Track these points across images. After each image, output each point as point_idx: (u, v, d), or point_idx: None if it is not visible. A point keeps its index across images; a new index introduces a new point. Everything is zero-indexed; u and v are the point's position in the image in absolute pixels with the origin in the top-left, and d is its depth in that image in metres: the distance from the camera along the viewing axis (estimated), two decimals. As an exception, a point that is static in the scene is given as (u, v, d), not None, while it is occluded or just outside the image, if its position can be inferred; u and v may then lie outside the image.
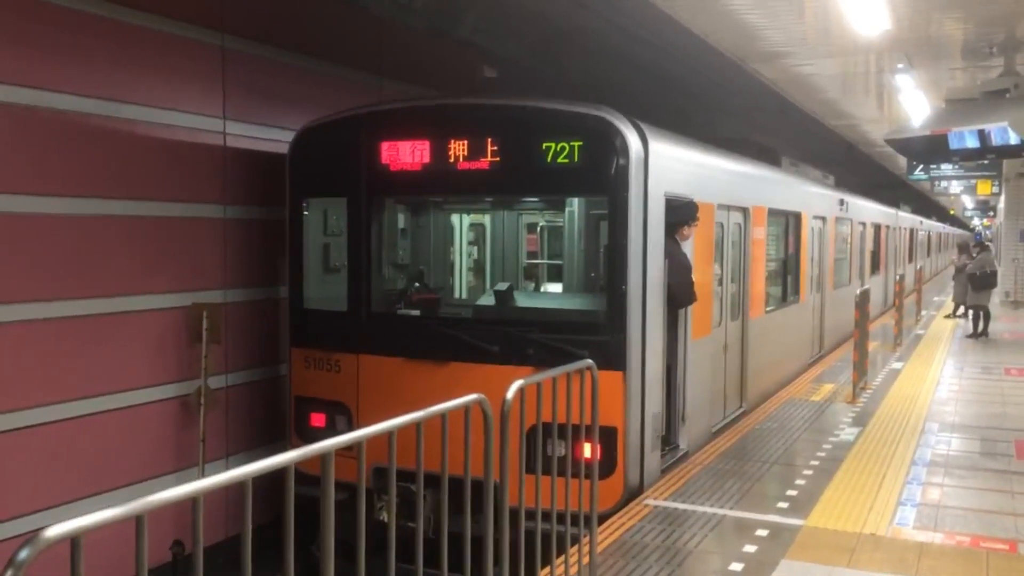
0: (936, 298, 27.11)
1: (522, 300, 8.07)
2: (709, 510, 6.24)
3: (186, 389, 7.73)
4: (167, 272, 7.58)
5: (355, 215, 7.48)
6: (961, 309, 19.37)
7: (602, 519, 5.63)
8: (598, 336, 6.59)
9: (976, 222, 59.00)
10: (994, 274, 17.88)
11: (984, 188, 24.72)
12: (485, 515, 3.95)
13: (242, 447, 8.36)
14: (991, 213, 44.98)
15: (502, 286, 7.97)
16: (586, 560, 4.73)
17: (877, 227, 20.19)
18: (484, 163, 6.89)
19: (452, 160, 6.99)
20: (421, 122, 7.29)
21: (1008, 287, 23.05)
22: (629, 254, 6.53)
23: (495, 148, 6.85)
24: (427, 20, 10.56)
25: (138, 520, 2.25)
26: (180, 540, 7.19)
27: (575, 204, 8.47)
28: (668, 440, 7.55)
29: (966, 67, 10.47)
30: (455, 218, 9.58)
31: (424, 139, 7.08)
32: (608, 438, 6.27)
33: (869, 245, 18.99)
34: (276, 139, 8.53)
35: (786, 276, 12.07)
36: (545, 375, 4.28)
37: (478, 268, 9.94)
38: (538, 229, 10.05)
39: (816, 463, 7.52)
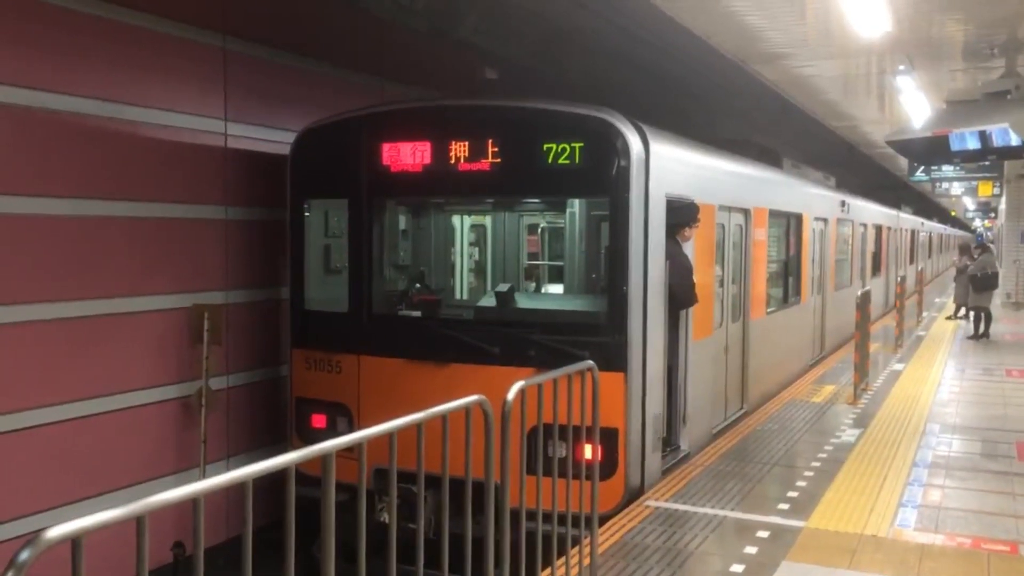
0: (937, 299, 27.10)
1: (523, 301, 8.07)
2: (710, 511, 6.24)
3: (187, 390, 7.73)
4: (168, 273, 7.59)
5: (356, 216, 7.48)
6: (962, 310, 19.35)
7: (603, 520, 5.63)
8: (599, 337, 6.59)
9: (977, 223, 58.95)
10: (995, 275, 17.87)
11: (985, 189, 24.72)
12: (486, 516, 3.95)
13: (243, 448, 8.36)
14: (992, 214, 44.93)
15: (503, 287, 7.97)
16: (587, 561, 4.73)
17: (878, 228, 20.19)
18: (485, 164, 6.89)
19: (453, 161, 7.00)
20: (422, 123, 7.29)
21: (1009, 288, 23.02)
22: (630, 255, 6.53)
23: (496, 149, 6.85)
24: (428, 21, 10.57)
25: (139, 521, 2.25)
26: (181, 541, 7.19)
27: (576, 205, 8.47)
28: (669, 441, 7.55)
29: (967, 68, 10.48)
30: (456, 219, 9.58)
31: (425, 140, 7.09)
32: (609, 439, 6.27)
33: (870, 246, 18.99)
34: (277, 140, 8.53)
35: (787, 277, 12.07)
36: (546, 376, 4.28)
37: (479, 269, 9.94)
38: (539, 230, 10.05)
39: (817, 464, 7.51)
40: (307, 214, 7.93)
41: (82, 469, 6.87)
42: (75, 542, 2.08)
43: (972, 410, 10.05)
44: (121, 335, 7.18)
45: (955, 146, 9.31)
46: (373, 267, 7.49)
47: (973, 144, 9.20)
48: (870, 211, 19.14)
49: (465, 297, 9.58)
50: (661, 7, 8.03)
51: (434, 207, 8.89)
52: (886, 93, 12.79)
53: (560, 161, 6.60)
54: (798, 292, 12.36)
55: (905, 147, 10.69)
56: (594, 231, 8.31)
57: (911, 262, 27.81)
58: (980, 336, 16.77)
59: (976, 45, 9.34)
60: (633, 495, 6.55)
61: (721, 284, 8.88)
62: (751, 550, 5.48)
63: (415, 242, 8.88)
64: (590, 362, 4.62)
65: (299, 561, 3.03)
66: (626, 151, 6.50)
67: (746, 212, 9.53)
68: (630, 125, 6.66)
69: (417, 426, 3.42)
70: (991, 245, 27.41)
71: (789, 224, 11.92)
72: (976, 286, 17.01)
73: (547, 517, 4.41)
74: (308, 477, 3.85)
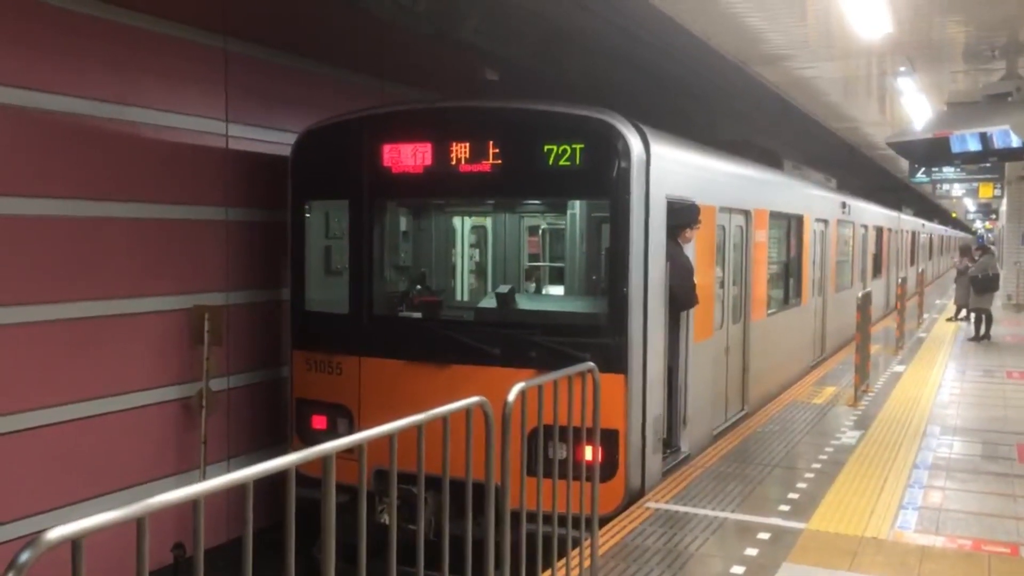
0: (938, 301, 27.09)
1: (523, 303, 8.08)
2: (711, 513, 6.24)
3: (188, 391, 7.73)
4: (169, 274, 7.59)
5: (357, 218, 7.48)
6: (963, 312, 19.35)
7: (603, 522, 5.62)
8: (599, 339, 6.59)
9: (978, 225, 58.95)
10: (996, 277, 17.86)
11: (986, 191, 24.67)
12: (486, 518, 3.95)
13: (243, 449, 8.36)
14: (993, 216, 44.94)
15: (503, 289, 7.97)
16: (587, 563, 4.73)
17: (879, 230, 20.19)
18: (486, 166, 6.89)
19: (454, 163, 7.00)
20: (423, 125, 7.30)
21: (1010, 290, 23.03)
22: (631, 257, 6.53)
23: (496, 151, 6.85)
24: (428, 22, 10.57)
25: (139, 522, 2.25)
26: (181, 542, 7.19)
27: (576, 207, 8.47)
28: (669, 443, 7.55)
29: (968, 70, 10.47)
30: (457, 220, 9.58)
31: (426, 142, 7.09)
32: (609, 441, 6.27)
33: (871, 248, 19.00)
34: (278, 141, 8.54)
35: (788, 279, 12.07)
36: (546, 378, 4.28)
37: (480, 271, 9.94)
38: (539, 232, 10.06)
39: (818, 466, 7.51)
40: (308, 215, 7.93)
41: (83, 470, 6.86)
42: (75, 543, 2.08)
43: (973, 412, 10.05)
44: (121, 336, 7.18)
45: (956, 148, 9.31)
46: (374, 268, 7.49)
47: (974, 146, 9.20)
48: (871, 213, 19.14)
49: (466, 298, 9.58)
50: (661, 8, 8.02)
51: (435, 208, 8.89)
52: (887, 95, 12.78)
53: (560, 162, 6.60)
54: (799, 293, 12.35)
55: (906, 149, 10.69)
56: (594, 232, 8.31)
57: (912, 264, 27.81)
58: (981, 338, 16.76)
59: (977, 47, 9.34)
60: (633, 497, 6.55)
61: (722, 285, 8.88)
62: (752, 552, 5.48)
63: (416, 243, 8.88)
64: (590, 363, 4.62)
65: (299, 562, 3.03)
66: (627, 152, 6.50)
67: (747, 213, 9.53)
68: (630, 126, 6.65)
69: (418, 427, 3.42)
70: (992, 247, 27.37)
71: (790, 226, 11.92)
72: (977, 288, 17.00)
73: (547, 518, 4.41)
74: (308, 478, 3.85)
